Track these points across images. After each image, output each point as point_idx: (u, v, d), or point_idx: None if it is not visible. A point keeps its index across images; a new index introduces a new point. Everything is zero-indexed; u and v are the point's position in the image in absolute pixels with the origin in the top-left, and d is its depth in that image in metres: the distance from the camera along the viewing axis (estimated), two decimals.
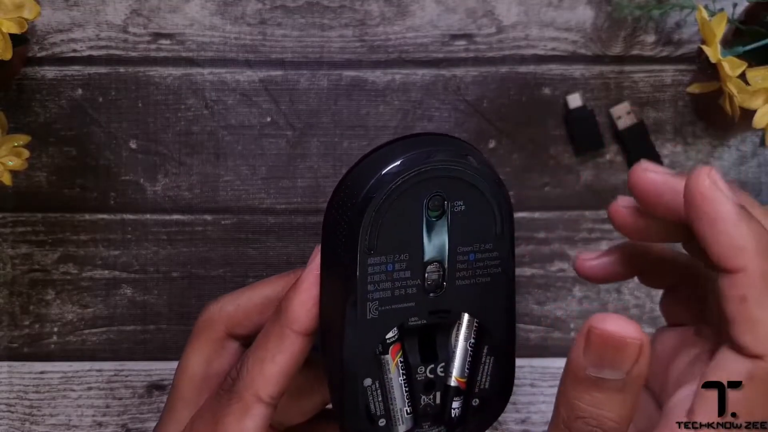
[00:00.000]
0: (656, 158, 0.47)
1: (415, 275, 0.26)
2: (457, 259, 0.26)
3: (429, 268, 0.26)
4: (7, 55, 0.37)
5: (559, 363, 0.44)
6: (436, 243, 0.26)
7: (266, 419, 0.27)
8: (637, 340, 0.21)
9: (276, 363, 0.27)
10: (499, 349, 0.28)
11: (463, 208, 0.26)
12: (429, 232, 0.26)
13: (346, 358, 0.26)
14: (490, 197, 0.26)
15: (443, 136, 0.27)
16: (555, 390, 0.23)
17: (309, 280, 0.27)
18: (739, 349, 0.22)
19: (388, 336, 0.27)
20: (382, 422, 0.27)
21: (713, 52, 0.37)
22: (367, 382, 0.27)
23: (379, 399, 0.27)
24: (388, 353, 0.27)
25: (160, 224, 0.47)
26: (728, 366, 0.22)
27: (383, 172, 0.25)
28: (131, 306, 0.47)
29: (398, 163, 0.25)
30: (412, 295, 0.26)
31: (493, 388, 0.28)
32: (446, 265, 0.26)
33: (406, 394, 0.28)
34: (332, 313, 0.27)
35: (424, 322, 0.27)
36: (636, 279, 0.29)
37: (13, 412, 0.46)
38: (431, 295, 0.26)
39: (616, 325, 0.21)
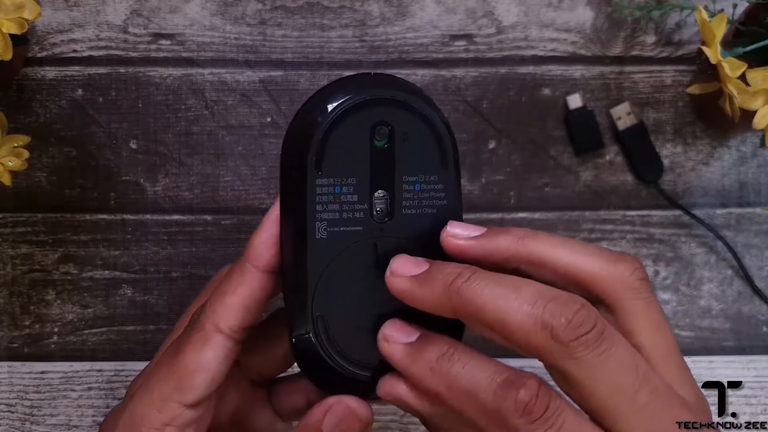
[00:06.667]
0: (656, 159, 0.47)
1: (362, 200, 0.27)
2: (403, 188, 0.27)
3: (376, 194, 0.27)
4: (8, 56, 0.37)
5: None
6: (382, 170, 0.27)
7: (227, 351, 0.28)
8: (365, 417, 0.27)
9: (237, 294, 0.28)
10: None
11: (409, 138, 0.27)
12: (376, 159, 0.27)
13: (296, 278, 0.27)
14: (435, 130, 0.27)
15: (395, 77, 0.29)
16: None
17: (270, 219, 0.28)
18: None
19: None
20: None
21: (713, 53, 0.37)
22: None
23: None
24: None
25: (160, 224, 0.47)
26: None
27: (332, 99, 0.27)
28: (131, 306, 0.47)
29: (347, 92, 0.27)
30: (360, 219, 0.27)
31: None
32: (393, 193, 0.27)
33: None
34: (286, 240, 0.28)
35: None
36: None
37: (13, 412, 0.46)
38: (378, 221, 0.27)
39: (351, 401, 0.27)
